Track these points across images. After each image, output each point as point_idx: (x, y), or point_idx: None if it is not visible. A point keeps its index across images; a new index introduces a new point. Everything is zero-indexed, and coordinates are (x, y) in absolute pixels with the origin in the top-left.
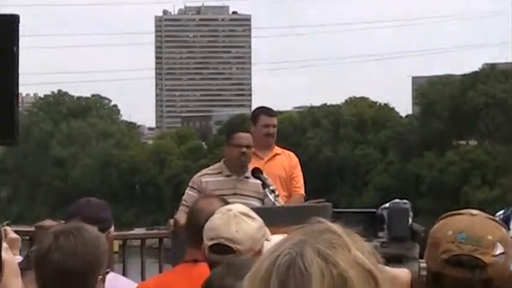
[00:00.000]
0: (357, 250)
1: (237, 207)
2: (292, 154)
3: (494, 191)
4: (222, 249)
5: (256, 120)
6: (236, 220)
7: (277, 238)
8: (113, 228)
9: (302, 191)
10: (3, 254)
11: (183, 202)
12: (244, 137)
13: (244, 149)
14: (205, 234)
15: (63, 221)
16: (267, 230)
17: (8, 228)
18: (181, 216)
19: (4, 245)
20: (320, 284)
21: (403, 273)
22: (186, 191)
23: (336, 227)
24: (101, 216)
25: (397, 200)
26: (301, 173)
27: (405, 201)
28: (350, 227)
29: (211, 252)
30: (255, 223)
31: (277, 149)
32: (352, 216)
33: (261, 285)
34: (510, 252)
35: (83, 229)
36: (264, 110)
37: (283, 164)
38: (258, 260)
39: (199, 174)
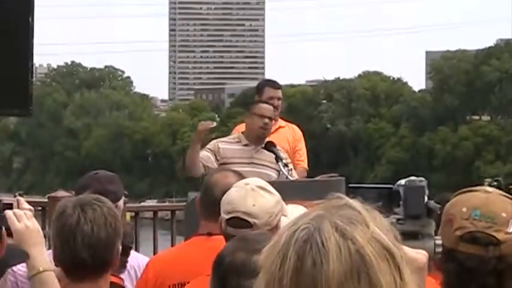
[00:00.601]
0: (375, 226)
1: (254, 181)
2: (296, 127)
3: (506, 166)
4: (239, 223)
5: (262, 92)
6: (253, 194)
7: (294, 211)
8: (121, 201)
9: (305, 165)
10: (27, 222)
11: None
12: (268, 109)
13: (266, 120)
14: (223, 208)
15: (73, 192)
16: (284, 204)
17: (21, 199)
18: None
19: (28, 213)
20: (337, 259)
21: (420, 255)
22: (202, 150)
23: (355, 203)
24: (108, 189)
25: (413, 178)
26: (304, 147)
27: (421, 178)
28: (367, 202)
29: (228, 225)
30: (273, 198)
31: (281, 122)
32: (369, 192)
33: (278, 258)
34: None
35: (102, 199)
36: (269, 83)
37: (287, 137)
38: (276, 233)
39: (217, 140)
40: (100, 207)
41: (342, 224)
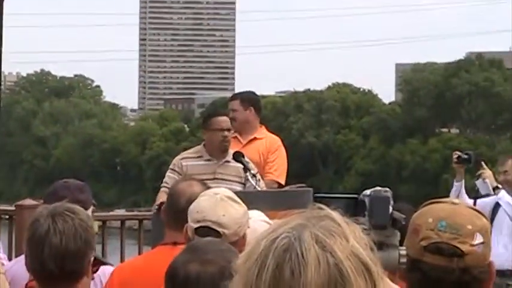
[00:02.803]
0: (354, 241)
1: (223, 191)
2: (274, 139)
3: (474, 179)
4: (208, 232)
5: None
6: (223, 204)
7: (257, 223)
8: (90, 210)
9: (274, 176)
10: None
11: (164, 184)
12: (224, 120)
13: (225, 133)
14: (191, 216)
15: (42, 201)
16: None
17: None
18: (162, 198)
19: None
20: (316, 270)
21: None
22: (167, 173)
23: (335, 214)
24: (78, 197)
25: (378, 188)
26: (281, 159)
27: (386, 189)
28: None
29: (196, 234)
30: (241, 208)
31: (260, 134)
32: (335, 202)
33: (256, 265)
34: (489, 242)
35: (75, 210)
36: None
37: (258, 149)
38: (253, 239)
39: (179, 157)
40: (72, 218)
41: (322, 236)
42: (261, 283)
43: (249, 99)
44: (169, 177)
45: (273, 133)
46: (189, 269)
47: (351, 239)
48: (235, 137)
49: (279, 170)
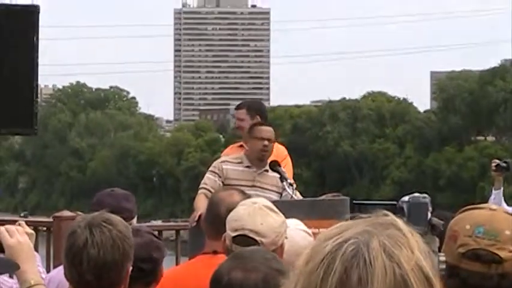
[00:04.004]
0: (419, 253)
1: (261, 200)
2: (281, 147)
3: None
4: (246, 241)
5: None
6: (261, 213)
7: (294, 232)
8: (135, 219)
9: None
10: (19, 238)
11: (203, 185)
12: (267, 130)
13: (266, 142)
14: (229, 225)
15: (80, 212)
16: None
17: (23, 223)
18: (200, 200)
19: (20, 228)
20: (382, 280)
21: None
22: (207, 174)
23: (401, 223)
24: (123, 206)
25: (416, 194)
26: (289, 167)
27: (425, 195)
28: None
29: (234, 243)
30: (279, 218)
31: None
32: (373, 208)
33: (321, 267)
34: None
35: (113, 221)
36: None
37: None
38: (313, 243)
39: (220, 159)
40: (109, 229)
41: (389, 246)
42: (328, 286)
43: (255, 108)
44: (209, 178)
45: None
46: (232, 275)
47: (415, 250)
48: (241, 146)
49: (290, 178)
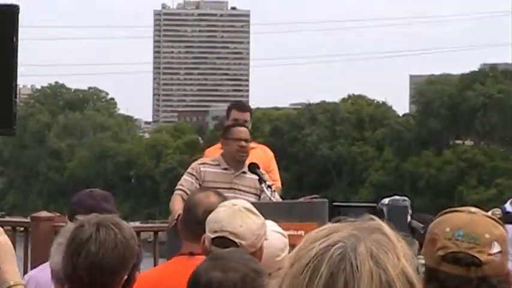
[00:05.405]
0: (404, 259)
1: (241, 202)
2: (266, 148)
3: (489, 191)
4: (225, 242)
5: (229, 114)
6: (241, 215)
7: (270, 234)
8: None
9: (279, 184)
10: None
11: (179, 186)
12: (243, 131)
13: (242, 143)
14: (209, 226)
15: (58, 213)
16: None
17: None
18: (176, 201)
19: (0, 228)
20: (368, 285)
21: None
22: (184, 176)
23: (387, 228)
24: (102, 207)
25: (397, 197)
26: (276, 167)
27: (405, 198)
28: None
29: (213, 245)
30: (259, 220)
31: (253, 144)
32: (353, 210)
33: (307, 270)
34: (507, 251)
35: (121, 226)
36: (236, 105)
37: (261, 158)
38: (299, 244)
39: (198, 161)
40: (115, 233)
41: (376, 251)
42: None
43: (252, 110)
44: (186, 180)
45: (258, 142)
46: (211, 276)
47: (401, 257)
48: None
49: (278, 178)
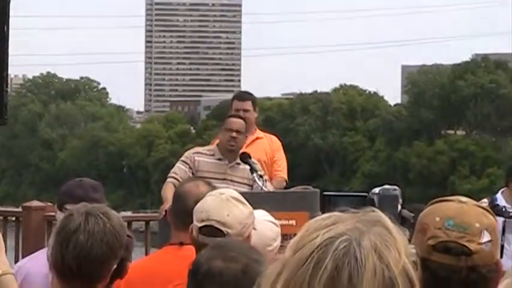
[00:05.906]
0: (405, 256)
1: (229, 191)
2: (274, 138)
3: (481, 181)
4: (212, 231)
5: (231, 105)
6: (228, 204)
7: (261, 224)
8: None
9: (283, 174)
10: None
11: (172, 174)
12: (235, 122)
13: (234, 134)
14: (196, 216)
15: (49, 203)
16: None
17: None
18: (168, 189)
19: None
20: (371, 279)
21: None
22: (177, 164)
23: (388, 222)
24: (91, 196)
25: (387, 186)
26: (283, 157)
27: (395, 187)
28: (341, 210)
29: (200, 233)
30: (246, 209)
31: (259, 133)
32: (344, 200)
33: (311, 261)
34: (497, 241)
35: (110, 215)
36: (237, 95)
37: (264, 148)
38: (301, 232)
39: (193, 150)
40: (104, 222)
41: (379, 246)
42: (316, 281)
43: (255, 99)
44: (179, 168)
45: (264, 131)
46: (212, 264)
47: (402, 254)
48: None
49: (285, 168)
